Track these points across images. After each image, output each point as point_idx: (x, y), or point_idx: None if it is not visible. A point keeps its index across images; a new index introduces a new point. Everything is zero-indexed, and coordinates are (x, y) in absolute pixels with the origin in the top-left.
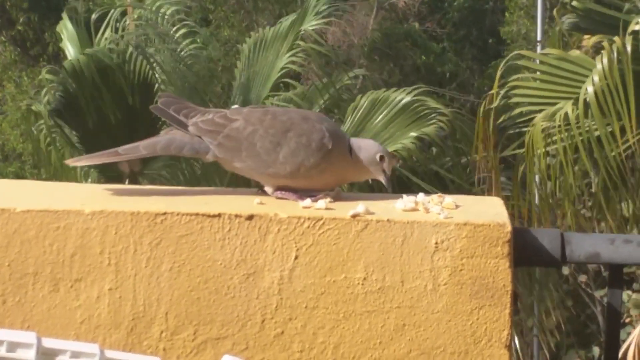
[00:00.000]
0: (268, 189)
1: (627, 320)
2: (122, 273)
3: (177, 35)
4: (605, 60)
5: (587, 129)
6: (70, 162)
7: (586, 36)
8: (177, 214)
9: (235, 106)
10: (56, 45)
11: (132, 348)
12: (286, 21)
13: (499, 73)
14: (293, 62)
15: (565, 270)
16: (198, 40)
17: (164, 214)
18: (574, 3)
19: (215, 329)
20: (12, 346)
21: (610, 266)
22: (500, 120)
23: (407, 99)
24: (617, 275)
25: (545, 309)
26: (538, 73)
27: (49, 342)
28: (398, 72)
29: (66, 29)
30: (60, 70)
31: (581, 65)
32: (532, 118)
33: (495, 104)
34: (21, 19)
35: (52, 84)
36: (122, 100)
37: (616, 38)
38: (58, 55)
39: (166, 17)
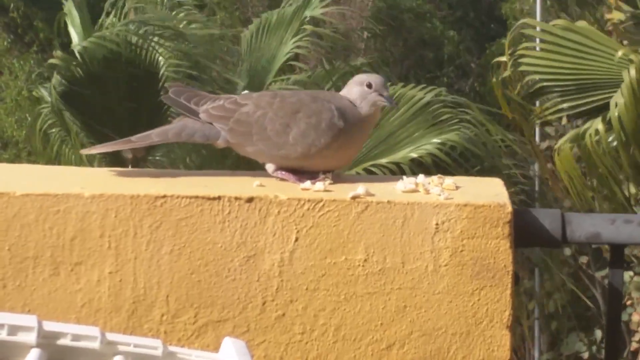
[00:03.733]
0: (269, 167)
1: (629, 302)
2: (122, 256)
3: (176, 19)
4: (632, 73)
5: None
6: (84, 151)
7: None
8: (177, 197)
9: (246, 92)
10: (47, 32)
11: (133, 331)
12: (289, 6)
13: (507, 41)
14: (299, 47)
15: (567, 252)
16: (195, 25)
17: (164, 196)
18: None
19: (216, 312)
20: (13, 329)
21: (611, 246)
22: (517, 90)
23: (427, 98)
24: (618, 255)
25: (546, 291)
26: (539, 42)
27: (49, 325)
28: (402, 45)
29: (70, 14)
30: (67, 56)
31: (587, 36)
32: (540, 87)
33: (507, 72)
34: (12, 5)
35: (59, 68)
36: (127, 85)
37: None
38: (51, 41)
39: (165, 1)
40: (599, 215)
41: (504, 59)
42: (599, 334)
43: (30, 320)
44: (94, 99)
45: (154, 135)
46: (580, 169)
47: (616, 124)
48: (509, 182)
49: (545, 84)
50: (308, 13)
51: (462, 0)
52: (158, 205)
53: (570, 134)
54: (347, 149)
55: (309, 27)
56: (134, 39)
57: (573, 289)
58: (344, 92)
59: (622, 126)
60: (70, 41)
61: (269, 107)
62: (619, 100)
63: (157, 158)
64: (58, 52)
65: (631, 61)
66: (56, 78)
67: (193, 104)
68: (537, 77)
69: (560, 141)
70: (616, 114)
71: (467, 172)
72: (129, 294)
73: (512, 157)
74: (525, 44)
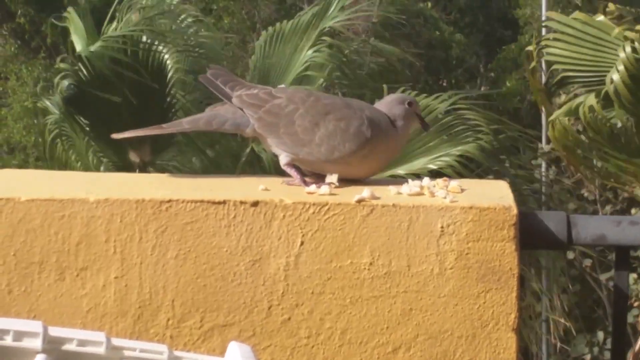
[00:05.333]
0: (282, 159)
1: (635, 304)
2: (127, 261)
3: (183, 24)
4: (628, 49)
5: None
6: (116, 136)
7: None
8: (182, 201)
9: (282, 86)
10: (54, 37)
11: (139, 336)
12: (305, 15)
13: (534, 34)
14: (317, 57)
15: (570, 255)
16: (203, 30)
17: (169, 201)
18: None
19: (222, 316)
20: (19, 335)
21: (616, 248)
22: (546, 80)
23: (442, 107)
24: (624, 257)
25: (553, 294)
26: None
27: (55, 331)
28: (412, 47)
29: (73, 22)
30: (74, 61)
31: (605, 30)
32: (563, 77)
33: (534, 63)
34: (20, 11)
35: (66, 73)
36: (134, 88)
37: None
38: (57, 47)
39: (172, 6)
40: (604, 217)
41: (531, 48)
42: (601, 335)
43: (36, 325)
44: (101, 103)
45: (185, 123)
46: (574, 141)
47: (615, 99)
48: (517, 184)
49: (567, 74)
50: (328, 23)
51: (472, 5)
52: (163, 210)
53: (564, 107)
54: (370, 161)
55: (327, 38)
56: (143, 39)
57: (580, 292)
58: (382, 106)
59: (620, 102)
60: (73, 48)
61: (301, 103)
62: (614, 76)
63: (165, 161)
64: (64, 59)
65: (626, 38)
66: (62, 83)
67: (228, 87)
68: (561, 67)
69: (555, 114)
70: (616, 86)
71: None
72: (134, 298)
73: (520, 160)
74: (548, 35)
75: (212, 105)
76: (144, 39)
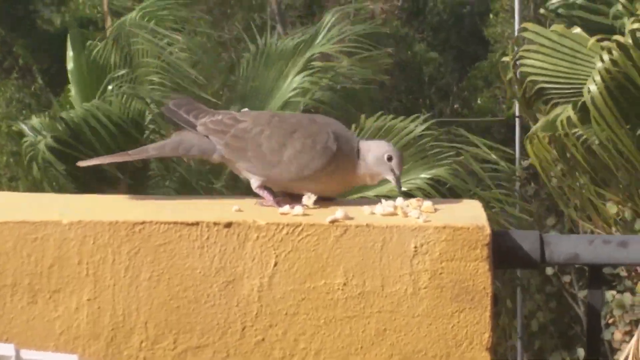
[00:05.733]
0: (253, 182)
1: (611, 320)
2: (100, 283)
3: (160, 44)
4: (606, 57)
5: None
6: (81, 163)
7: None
8: (155, 223)
9: (245, 110)
10: (27, 59)
11: (112, 358)
12: (291, 40)
13: (511, 46)
14: (305, 82)
15: (549, 271)
16: (177, 49)
17: (142, 223)
18: (560, 10)
19: (196, 338)
20: None
21: (589, 267)
22: (521, 91)
23: (417, 130)
24: (597, 276)
25: (529, 311)
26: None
27: (27, 354)
28: (383, 72)
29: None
30: (53, 123)
31: (581, 42)
32: (540, 89)
33: (510, 75)
34: None
35: (48, 127)
36: (113, 138)
37: (617, 37)
38: (30, 68)
39: (150, 27)
40: (577, 236)
41: (508, 58)
42: (581, 352)
43: (8, 349)
44: (80, 154)
45: (151, 149)
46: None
47: (593, 110)
48: (493, 204)
49: (543, 85)
50: (318, 49)
51: (444, 24)
52: (136, 232)
53: (542, 121)
54: (339, 176)
55: (318, 63)
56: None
57: (556, 308)
58: (363, 141)
59: (599, 112)
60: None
61: (266, 124)
62: (591, 87)
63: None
64: (45, 118)
65: (603, 48)
66: (47, 136)
67: (192, 116)
68: (537, 78)
69: (533, 129)
70: (592, 97)
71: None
72: (107, 320)
73: (496, 179)
74: (525, 46)
75: (178, 131)
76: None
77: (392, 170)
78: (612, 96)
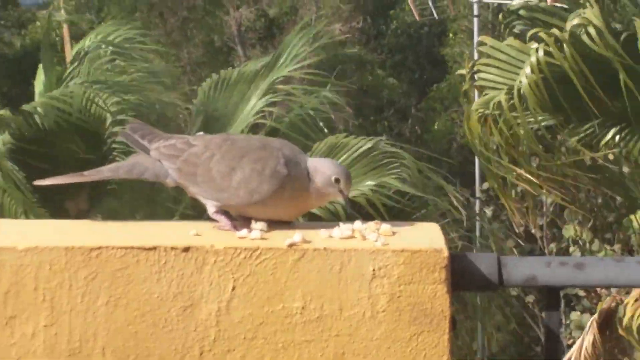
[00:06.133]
0: (210, 208)
1: (570, 342)
2: (57, 309)
3: (116, 70)
4: (541, 53)
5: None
6: (37, 182)
7: None
8: (112, 248)
9: (200, 133)
10: None
11: None
12: (253, 64)
13: (466, 58)
14: (270, 105)
15: (513, 292)
16: (135, 75)
17: (99, 248)
18: (521, 12)
19: None
20: None
21: (547, 289)
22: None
23: (368, 145)
24: (554, 298)
25: (489, 332)
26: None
27: None
28: (343, 94)
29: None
30: (15, 117)
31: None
32: (497, 104)
33: (466, 86)
34: None
35: (7, 125)
36: (76, 142)
37: (554, 30)
38: None
39: (109, 52)
40: (534, 258)
41: (464, 71)
42: None
43: None
44: (42, 157)
45: (106, 171)
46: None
47: (517, 100)
48: (449, 226)
49: (500, 99)
50: (279, 74)
51: (401, 45)
52: (93, 257)
53: (478, 101)
54: (292, 199)
55: (282, 86)
56: (86, 94)
57: (516, 329)
58: (311, 161)
59: (525, 105)
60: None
61: (217, 148)
62: (523, 79)
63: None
64: (7, 111)
65: (540, 39)
66: (5, 136)
67: (147, 141)
68: (492, 92)
69: (473, 105)
70: (522, 89)
71: (404, 213)
72: (64, 346)
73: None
74: (482, 60)
75: (135, 154)
76: (86, 93)
77: (340, 191)
78: (544, 88)
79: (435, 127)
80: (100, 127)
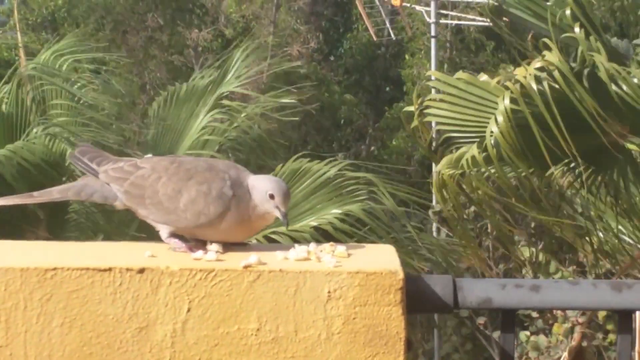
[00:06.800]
0: (162, 233)
1: None
2: (12, 330)
3: (75, 87)
4: (507, 101)
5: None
6: None
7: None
8: (68, 269)
9: (149, 155)
10: None
11: None
12: (201, 80)
13: (415, 93)
14: (215, 120)
15: (464, 313)
16: (93, 91)
17: (54, 269)
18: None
19: None
20: None
21: (502, 311)
22: (427, 141)
23: (332, 172)
24: (509, 320)
25: (445, 352)
26: (444, 95)
27: None
28: (300, 111)
29: None
30: None
31: (489, 90)
32: (447, 138)
33: (415, 123)
34: None
35: None
36: (39, 183)
37: (519, 77)
38: None
39: (63, 69)
40: (490, 280)
41: (412, 108)
42: None
43: None
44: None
45: (55, 192)
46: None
47: (492, 152)
48: (406, 246)
49: (451, 134)
50: (227, 88)
51: (358, 65)
52: (48, 278)
53: (446, 159)
54: (240, 222)
55: (227, 101)
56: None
57: (472, 350)
58: (250, 179)
59: (499, 154)
60: None
61: (164, 171)
62: (493, 128)
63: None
64: None
65: (506, 87)
66: None
67: (95, 164)
68: (442, 127)
69: (437, 167)
70: (492, 141)
71: (366, 239)
72: None
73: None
74: (431, 95)
75: (84, 176)
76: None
77: (277, 207)
78: (515, 136)
79: (394, 142)
80: (61, 158)
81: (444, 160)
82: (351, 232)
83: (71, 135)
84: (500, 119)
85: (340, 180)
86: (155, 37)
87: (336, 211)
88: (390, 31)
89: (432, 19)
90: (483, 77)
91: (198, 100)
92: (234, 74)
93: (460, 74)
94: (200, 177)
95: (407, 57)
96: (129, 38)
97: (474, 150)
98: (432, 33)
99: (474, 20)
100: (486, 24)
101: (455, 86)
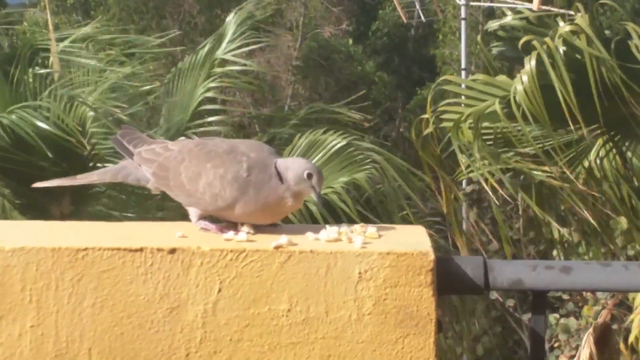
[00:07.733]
0: (192, 216)
1: (556, 345)
2: (43, 310)
3: (103, 67)
4: (533, 62)
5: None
6: (36, 185)
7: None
8: (99, 249)
9: (182, 138)
10: None
11: None
12: (202, 49)
13: (429, 98)
14: (211, 89)
15: (493, 295)
16: (121, 73)
17: (85, 249)
18: (500, 33)
19: None
20: None
21: (532, 292)
22: (439, 147)
23: (342, 142)
24: (540, 302)
25: (474, 336)
26: (463, 97)
27: None
28: (333, 84)
29: None
30: None
31: (507, 90)
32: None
33: (429, 129)
34: None
35: None
36: (56, 148)
37: (547, 39)
38: None
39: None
40: (520, 261)
41: (426, 116)
42: None
43: None
44: (22, 166)
45: (95, 175)
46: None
47: (515, 109)
48: (434, 227)
49: (496, 108)
50: (218, 54)
51: (387, 47)
52: (80, 258)
53: (467, 112)
54: (262, 204)
55: (218, 69)
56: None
57: (501, 332)
58: (280, 161)
59: (523, 112)
60: None
61: (187, 153)
62: (518, 87)
63: (85, 214)
64: None
65: (534, 47)
66: None
67: (132, 146)
68: (480, 104)
69: (463, 117)
70: (517, 97)
71: (374, 211)
72: (50, 347)
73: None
74: (447, 100)
75: (125, 158)
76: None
77: (313, 187)
78: (539, 97)
79: (413, 136)
80: (83, 133)
81: (467, 111)
82: (358, 200)
83: (94, 102)
84: (525, 78)
85: (351, 150)
86: (192, 22)
87: (343, 179)
88: (421, 13)
89: (463, 1)
90: (501, 78)
91: (200, 69)
92: (228, 38)
93: (477, 75)
94: (218, 159)
95: (439, 36)
96: (164, 22)
97: (496, 106)
98: (462, 15)
99: (504, 1)
100: (517, 4)
101: (471, 87)
